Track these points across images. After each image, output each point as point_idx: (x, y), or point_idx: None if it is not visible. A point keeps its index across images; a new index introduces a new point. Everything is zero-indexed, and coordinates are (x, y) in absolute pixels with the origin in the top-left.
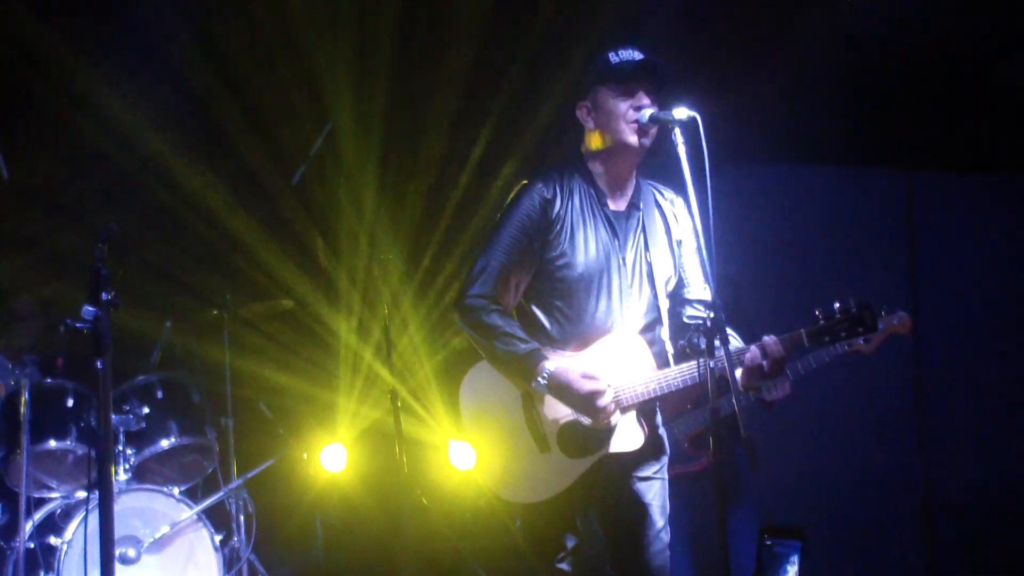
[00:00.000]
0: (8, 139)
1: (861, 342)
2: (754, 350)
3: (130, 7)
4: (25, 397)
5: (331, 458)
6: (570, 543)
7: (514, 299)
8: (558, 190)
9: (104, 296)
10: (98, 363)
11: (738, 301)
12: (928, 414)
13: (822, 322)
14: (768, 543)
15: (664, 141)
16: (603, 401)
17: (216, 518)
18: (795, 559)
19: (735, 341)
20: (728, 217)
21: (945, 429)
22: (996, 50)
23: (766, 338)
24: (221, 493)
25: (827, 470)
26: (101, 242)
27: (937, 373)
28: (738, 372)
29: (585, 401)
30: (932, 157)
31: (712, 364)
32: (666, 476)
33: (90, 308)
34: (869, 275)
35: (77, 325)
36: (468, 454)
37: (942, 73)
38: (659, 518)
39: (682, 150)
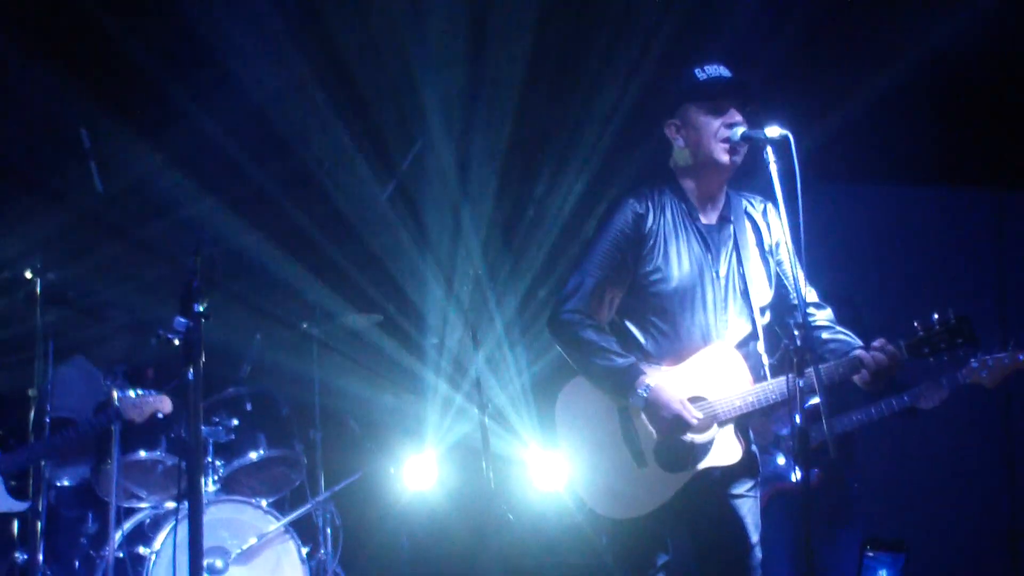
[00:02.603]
0: (104, 149)
1: (984, 375)
2: (865, 356)
3: (230, 19)
4: (116, 407)
5: (418, 473)
6: (660, 560)
7: (608, 315)
8: (650, 205)
9: (196, 307)
10: (189, 374)
11: (857, 319)
12: (1016, 437)
13: (921, 333)
14: (870, 555)
15: (755, 159)
16: (688, 435)
17: (303, 531)
18: (892, 571)
19: (848, 337)
20: (817, 236)
21: None
22: None
23: (861, 352)
24: (308, 506)
25: (913, 493)
26: (194, 253)
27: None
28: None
29: (673, 424)
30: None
31: (801, 383)
32: (758, 495)
33: (182, 319)
34: (958, 297)
35: (168, 336)
36: (556, 472)
37: None
38: (753, 534)
39: (774, 169)
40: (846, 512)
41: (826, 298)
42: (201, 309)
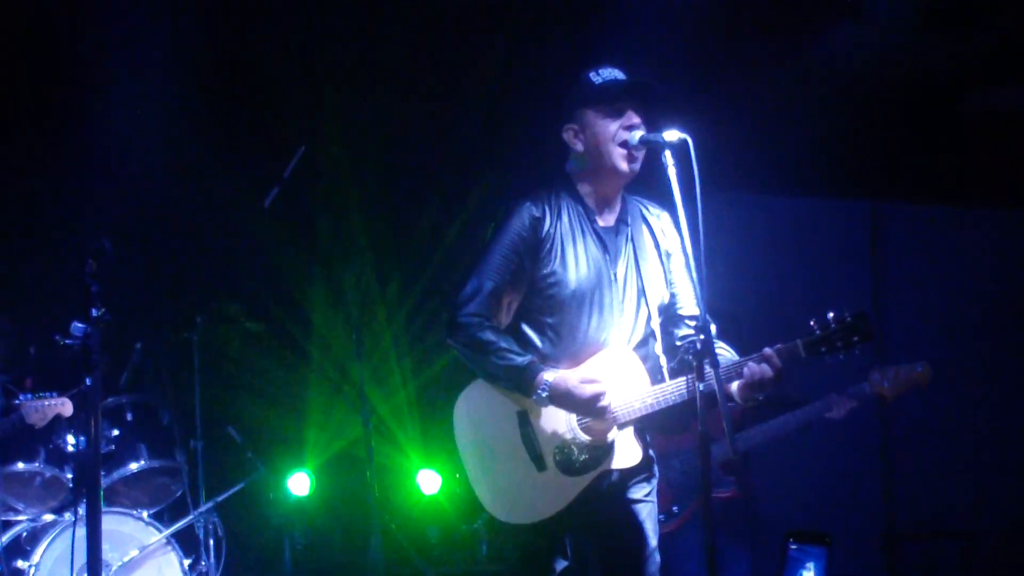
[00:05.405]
0: None
1: (886, 386)
2: (751, 364)
3: (114, 26)
4: (19, 412)
5: (298, 482)
6: (559, 566)
7: (506, 319)
8: (547, 208)
9: (94, 312)
10: (87, 380)
11: (739, 335)
12: (892, 444)
13: (818, 332)
14: (794, 547)
15: (652, 162)
16: (605, 402)
17: (185, 541)
18: (819, 565)
19: (730, 354)
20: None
21: (909, 459)
22: (965, 83)
23: (765, 348)
24: (190, 516)
25: (788, 499)
26: (92, 258)
27: (901, 403)
28: (735, 385)
29: (589, 405)
30: (897, 189)
31: (702, 387)
32: (656, 500)
33: (80, 324)
34: (835, 303)
35: (66, 342)
36: (435, 480)
37: (909, 106)
38: (652, 538)
39: (672, 173)
40: (754, 524)
41: (713, 313)
42: (99, 314)
